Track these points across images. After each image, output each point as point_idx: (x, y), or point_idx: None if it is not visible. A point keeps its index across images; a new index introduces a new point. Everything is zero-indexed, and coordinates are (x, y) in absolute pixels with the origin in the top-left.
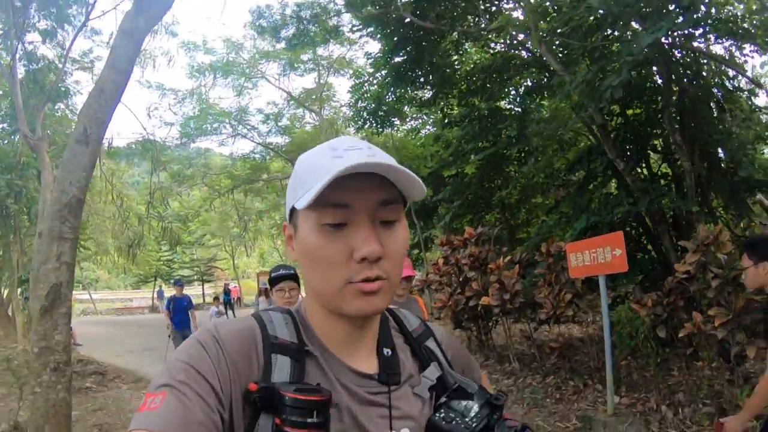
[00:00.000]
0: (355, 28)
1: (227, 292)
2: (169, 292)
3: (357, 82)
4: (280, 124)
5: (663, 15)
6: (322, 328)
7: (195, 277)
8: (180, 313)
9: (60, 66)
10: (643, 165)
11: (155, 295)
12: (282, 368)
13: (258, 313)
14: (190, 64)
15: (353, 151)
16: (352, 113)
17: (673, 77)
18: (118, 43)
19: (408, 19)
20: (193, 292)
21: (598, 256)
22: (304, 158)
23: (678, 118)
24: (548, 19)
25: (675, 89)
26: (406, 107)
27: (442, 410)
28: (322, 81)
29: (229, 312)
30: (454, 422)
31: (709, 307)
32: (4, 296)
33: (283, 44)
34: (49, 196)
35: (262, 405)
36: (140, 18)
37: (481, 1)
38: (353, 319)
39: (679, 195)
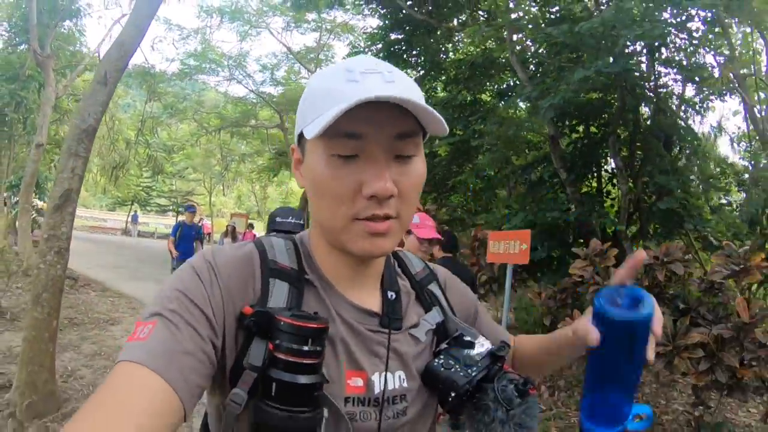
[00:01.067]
0: (356, 2)
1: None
2: (153, 219)
3: (352, 52)
4: (275, 75)
5: (599, 54)
6: (325, 260)
7: (171, 208)
8: (186, 242)
9: None
10: (593, 180)
11: (129, 219)
12: (279, 294)
13: (260, 238)
14: (200, 4)
15: (371, 75)
16: None
17: (629, 106)
18: (139, 4)
19: (402, 9)
20: (168, 221)
21: (510, 247)
22: (316, 78)
23: (628, 144)
24: (523, 32)
25: (631, 117)
26: None
27: (442, 356)
28: (322, 41)
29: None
30: (453, 369)
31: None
32: None
33: (289, 3)
34: (48, 111)
35: (257, 329)
36: None
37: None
38: (357, 257)
39: (616, 214)
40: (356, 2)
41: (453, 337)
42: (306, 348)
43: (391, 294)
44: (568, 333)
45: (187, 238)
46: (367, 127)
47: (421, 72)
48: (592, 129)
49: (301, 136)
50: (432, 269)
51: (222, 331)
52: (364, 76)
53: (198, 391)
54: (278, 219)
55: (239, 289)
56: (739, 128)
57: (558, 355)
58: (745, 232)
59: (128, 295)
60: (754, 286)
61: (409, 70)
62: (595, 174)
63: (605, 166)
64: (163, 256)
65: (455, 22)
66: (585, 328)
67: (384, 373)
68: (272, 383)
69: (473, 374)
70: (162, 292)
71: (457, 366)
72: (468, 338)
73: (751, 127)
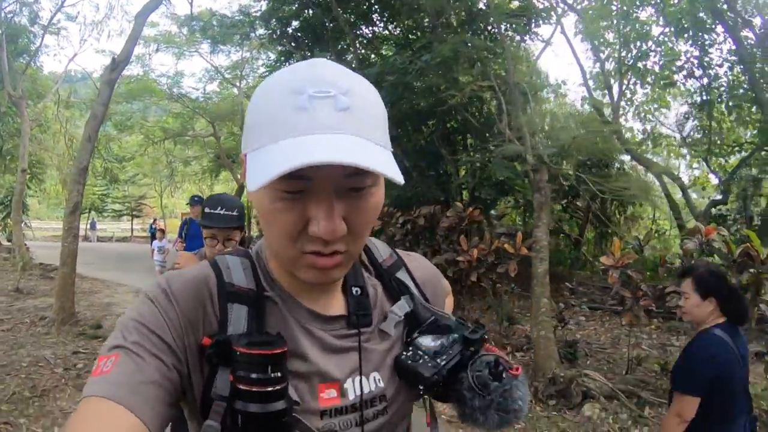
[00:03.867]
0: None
1: (153, 227)
2: (109, 225)
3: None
4: (206, 90)
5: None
6: (283, 273)
7: (125, 212)
8: (197, 239)
9: (32, 32)
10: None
11: (88, 226)
12: (238, 318)
13: (215, 258)
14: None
15: (322, 100)
16: None
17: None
18: (102, 91)
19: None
20: (123, 225)
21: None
22: (261, 96)
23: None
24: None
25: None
26: None
27: (410, 348)
28: (245, 57)
29: (155, 242)
30: (420, 360)
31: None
32: None
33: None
34: (27, 142)
35: (218, 360)
36: (115, 71)
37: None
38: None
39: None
40: (260, 38)
41: (427, 324)
42: (265, 376)
43: (355, 290)
44: None
45: (197, 235)
46: (312, 170)
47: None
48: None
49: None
50: (400, 255)
51: (185, 359)
52: (313, 102)
53: (166, 419)
54: (207, 209)
55: (198, 314)
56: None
57: None
58: None
59: (101, 279)
60: None
61: None
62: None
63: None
64: (122, 254)
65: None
66: None
67: (358, 377)
68: (238, 415)
69: (442, 363)
70: (121, 324)
71: (426, 357)
72: (442, 323)
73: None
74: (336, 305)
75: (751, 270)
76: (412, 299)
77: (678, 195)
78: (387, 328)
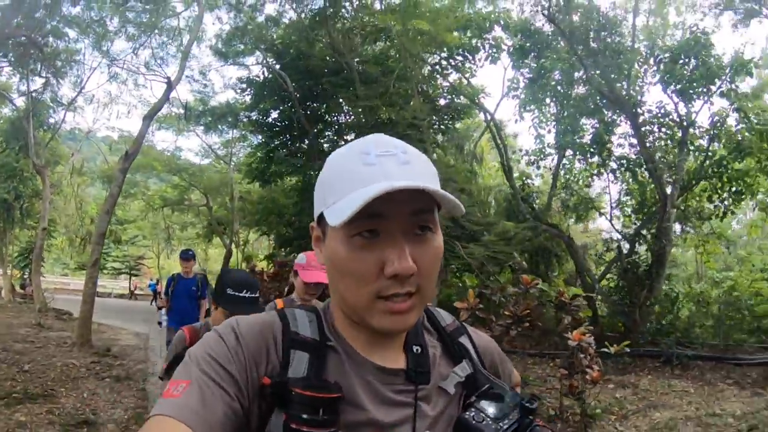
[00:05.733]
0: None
1: (153, 284)
2: (108, 282)
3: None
4: (201, 164)
5: None
6: (347, 328)
7: (124, 270)
8: (182, 300)
9: (53, 107)
10: None
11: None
12: (299, 364)
13: (283, 309)
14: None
15: (386, 157)
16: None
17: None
18: (117, 177)
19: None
20: (122, 284)
21: None
22: (333, 162)
23: None
24: None
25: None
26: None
27: (472, 409)
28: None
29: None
30: (484, 422)
31: None
32: None
33: (202, 127)
34: (48, 205)
35: (274, 400)
36: (127, 161)
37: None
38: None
39: None
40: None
41: (482, 390)
42: (315, 417)
43: (416, 348)
44: None
45: (183, 294)
46: (386, 206)
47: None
48: None
49: (321, 216)
50: (463, 324)
51: (248, 393)
52: (379, 159)
53: None
54: (229, 291)
55: (262, 355)
56: None
57: None
58: None
59: (106, 324)
60: None
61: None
62: None
63: None
64: (117, 307)
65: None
66: None
67: None
68: None
69: (504, 427)
70: (192, 356)
71: (488, 419)
72: (497, 391)
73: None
74: (397, 361)
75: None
76: (472, 364)
77: None
78: (447, 387)
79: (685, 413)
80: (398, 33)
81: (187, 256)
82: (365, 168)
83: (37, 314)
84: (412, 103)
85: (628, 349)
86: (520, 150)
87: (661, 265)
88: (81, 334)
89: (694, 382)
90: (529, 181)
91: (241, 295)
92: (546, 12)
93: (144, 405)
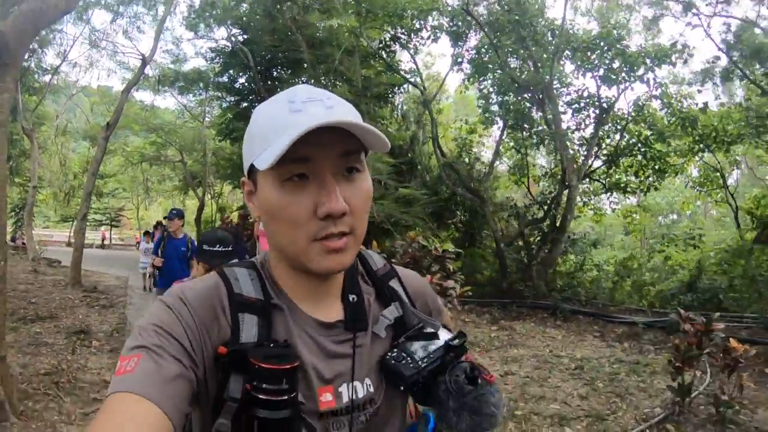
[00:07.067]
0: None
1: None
2: (90, 233)
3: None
4: (177, 123)
5: None
6: (287, 281)
7: (105, 221)
8: (172, 261)
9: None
10: None
11: (71, 234)
12: (249, 327)
13: (223, 269)
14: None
15: (312, 103)
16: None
17: None
18: (99, 146)
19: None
20: (99, 234)
21: None
22: (260, 110)
23: None
24: None
25: None
26: None
27: (395, 350)
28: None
29: (141, 244)
30: (403, 361)
31: None
32: None
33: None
34: (36, 165)
35: (232, 368)
36: (108, 131)
37: None
38: (320, 275)
39: None
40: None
41: (415, 330)
42: (279, 387)
43: (352, 297)
44: None
45: (174, 256)
46: (314, 150)
47: None
48: None
49: (251, 169)
50: (393, 267)
51: (202, 363)
52: (305, 104)
53: (184, 415)
54: (205, 247)
55: (212, 322)
56: None
57: None
58: None
59: (90, 269)
60: None
61: None
62: None
63: None
64: (103, 257)
65: None
66: None
67: (351, 383)
68: (254, 420)
69: (422, 365)
70: (140, 328)
71: (408, 358)
72: (430, 330)
73: None
74: (335, 312)
75: None
76: (402, 306)
77: None
78: (379, 331)
79: (537, 352)
80: (341, 9)
81: (173, 215)
82: (292, 115)
83: (32, 262)
84: (354, 76)
85: (470, 294)
86: (463, 120)
87: (562, 231)
88: (73, 276)
89: (568, 331)
90: (474, 150)
91: (214, 249)
92: (465, 7)
93: (123, 323)
